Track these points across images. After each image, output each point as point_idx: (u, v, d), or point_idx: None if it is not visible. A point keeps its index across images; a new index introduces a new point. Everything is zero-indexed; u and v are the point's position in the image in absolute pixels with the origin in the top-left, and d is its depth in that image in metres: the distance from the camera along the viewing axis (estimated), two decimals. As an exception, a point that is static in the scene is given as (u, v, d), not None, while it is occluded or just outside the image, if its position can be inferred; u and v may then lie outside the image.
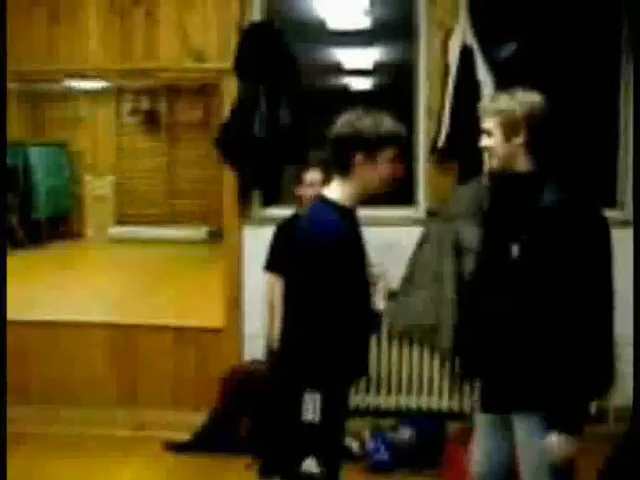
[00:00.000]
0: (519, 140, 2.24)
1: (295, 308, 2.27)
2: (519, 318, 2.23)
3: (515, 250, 2.21)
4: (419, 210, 4.19)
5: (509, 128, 2.25)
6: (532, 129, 2.24)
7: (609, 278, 2.18)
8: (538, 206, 2.18)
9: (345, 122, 2.23)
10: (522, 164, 2.27)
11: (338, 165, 2.27)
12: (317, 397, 2.14)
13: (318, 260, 2.16)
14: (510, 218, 2.30)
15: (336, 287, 2.17)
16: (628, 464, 3.15)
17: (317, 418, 2.14)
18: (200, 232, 11.39)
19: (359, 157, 2.20)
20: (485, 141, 2.32)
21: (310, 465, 2.16)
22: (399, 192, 4.23)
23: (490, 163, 2.33)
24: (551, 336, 2.15)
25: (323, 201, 2.31)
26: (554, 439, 2.16)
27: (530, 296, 2.19)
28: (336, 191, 2.29)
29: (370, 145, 2.20)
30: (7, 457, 2.62)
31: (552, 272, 2.13)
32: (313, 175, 3.63)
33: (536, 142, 2.25)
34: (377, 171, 2.23)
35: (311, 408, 2.14)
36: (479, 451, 2.53)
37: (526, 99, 2.25)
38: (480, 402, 2.50)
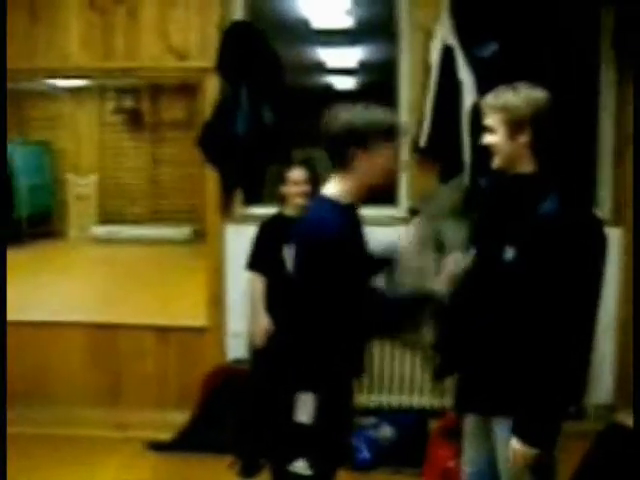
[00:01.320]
0: (523, 139, 2.16)
1: (291, 309, 2.22)
2: (502, 320, 2.18)
3: (510, 253, 2.14)
4: (401, 209, 4.20)
5: (514, 126, 2.15)
6: (537, 128, 2.15)
7: (596, 296, 2.12)
8: (538, 213, 2.10)
9: (338, 116, 2.17)
10: (525, 164, 2.19)
11: (336, 161, 2.21)
12: (311, 398, 2.11)
13: (319, 260, 2.11)
14: (508, 220, 2.23)
15: (337, 287, 2.12)
16: (605, 462, 3.18)
17: (311, 419, 2.11)
18: (184, 231, 11.35)
19: (356, 151, 2.15)
20: (487, 138, 2.24)
21: (300, 467, 2.14)
22: (381, 191, 4.25)
23: (493, 162, 2.24)
24: (530, 344, 2.10)
25: (322, 199, 2.25)
26: (513, 446, 2.14)
27: (516, 300, 2.14)
28: (335, 188, 2.23)
29: (366, 138, 2.15)
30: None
31: (541, 282, 2.07)
32: (298, 174, 3.64)
33: (540, 141, 2.17)
34: (376, 164, 2.18)
35: (305, 409, 2.11)
36: (468, 450, 2.52)
37: (532, 95, 2.16)
38: (455, 402, 2.49)
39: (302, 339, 2.15)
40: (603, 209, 4.18)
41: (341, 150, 2.18)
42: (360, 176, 2.20)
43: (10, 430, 3.98)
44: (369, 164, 2.18)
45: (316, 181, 3.55)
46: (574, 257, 2.05)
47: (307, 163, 3.73)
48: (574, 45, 4.19)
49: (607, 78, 4.16)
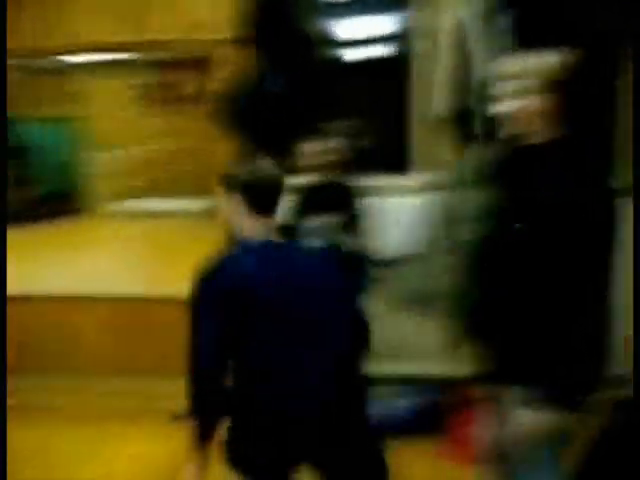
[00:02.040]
0: (538, 107, 2.08)
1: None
2: (517, 292, 2.15)
3: (523, 224, 2.10)
4: (415, 179, 4.20)
5: (527, 93, 2.08)
6: (553, 95, 2.08)
7: (607, 266, 2.07)
8: (551, 184, 2.05)
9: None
10: (540, 134, 2.12)
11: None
12: None
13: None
14: (522, 190, 2.17)
15: None
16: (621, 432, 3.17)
17: None
18: (205, 203, 11.35)
19: None
20: (501, 107, 2.15)
21: None
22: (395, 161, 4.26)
23: (505, 131, 2.17)
24: (544, 316, 2.07)
25: None
26: (527, 413, 2.12)
27: (530, 272, 2.10)
28: None
29: None
30: (10, 429, 2.64)
31: (553, 254, 2.03)
32: (314, 146, 3.66)
33: (556, 110, 2.09)
34: None
35: None
36: (493, 419, 2.51)
37: (548, 61, 2.08)
38: (477, 372, 2.46)
39: None
40: (624, 179, 4.12)
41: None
42: None
43: (34, 400, 4.02)
44: None
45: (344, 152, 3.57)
46: (587, 229, 2.01)
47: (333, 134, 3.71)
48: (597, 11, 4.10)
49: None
